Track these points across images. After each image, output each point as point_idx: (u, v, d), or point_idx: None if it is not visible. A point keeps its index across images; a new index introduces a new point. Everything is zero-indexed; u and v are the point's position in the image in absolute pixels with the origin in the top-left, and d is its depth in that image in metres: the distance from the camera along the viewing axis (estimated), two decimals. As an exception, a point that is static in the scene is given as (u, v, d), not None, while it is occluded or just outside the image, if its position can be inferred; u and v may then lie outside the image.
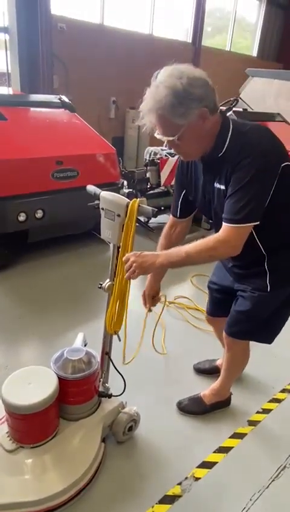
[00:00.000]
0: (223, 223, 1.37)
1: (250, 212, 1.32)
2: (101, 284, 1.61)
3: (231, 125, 1.39)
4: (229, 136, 1.37)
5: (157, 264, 1.38)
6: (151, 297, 1.90)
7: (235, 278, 1.73)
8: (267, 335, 1.76)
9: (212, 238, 1.38)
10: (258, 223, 1.35)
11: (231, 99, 4.52)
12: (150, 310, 1.91)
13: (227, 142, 1.37)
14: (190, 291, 3.29)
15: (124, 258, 1.43)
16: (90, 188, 1.64)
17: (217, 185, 1.44)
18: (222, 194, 1.42)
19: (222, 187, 1.42)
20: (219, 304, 1.93)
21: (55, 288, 3.14)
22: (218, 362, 2.27)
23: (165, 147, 4.75)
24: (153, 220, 4.49)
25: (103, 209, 1.53)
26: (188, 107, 1.26)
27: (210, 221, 1.68)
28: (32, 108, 3.85)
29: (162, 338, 2.56)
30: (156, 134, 1.36)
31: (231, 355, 1.88)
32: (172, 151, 4.38)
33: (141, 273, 1.39)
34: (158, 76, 1.29)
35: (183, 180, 1.65)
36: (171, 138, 1.34)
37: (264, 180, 1.33)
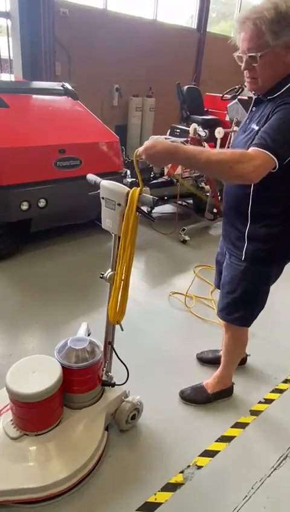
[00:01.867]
0: (252, 147, 1.30)
1: (282, 147, 1.28)
2: (103, 274, 1.60)
3: None
4: (289, 85, 1.38)
5: (172, 161, 1.46)
6: None
7: (224, 242, 1.77)
8: (245, 315, 1.76)
9: (238, 151, 1.32)
10: (277, 166, 1.29)
11: (236, 87, 4.46)
12: None
13: (284, 88, 1.38)
14: (193, 282, 3.28)
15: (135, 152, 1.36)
16: (91, 176, 1.62)
17: (252, 126, 1.47)
18: (253, 134, 1.43)
19: (256, 128, 1.43)
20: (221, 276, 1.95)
21: (58, 277, 3.14)
22: (221, 353, 2.28)
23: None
24: (157, 209, 4.47)
25: (103, 198, 1.51)
26: (283, 28, 1.30)
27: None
28: (34, 96, 3.80)
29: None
30: (236, 53, 1.41)
31: (229, 337, 1.92)
32: (175, 139, 4.34)
33: (148, 159, 1.32)
34: None
35: None
36: (254, 54, 1.35)
37: None
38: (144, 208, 4.17)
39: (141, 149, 1.34)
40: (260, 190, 1.48)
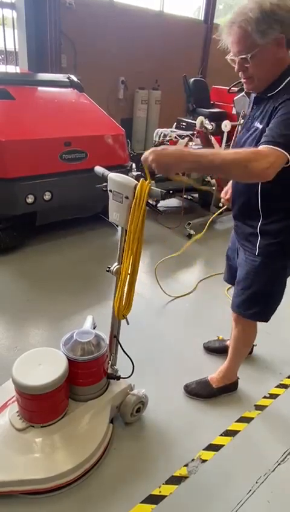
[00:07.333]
0: (262, 145, 1.29)
1: None
2: (109, 268, 1.60)
3: None
4: (288, 79, 1.38)
5: (182, 164, 1.31)
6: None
7: (237, 238, 1.76)
8: (262, 310, 1.75)
9: (251, 149, 1.31)
10: (289, 161, 1.28)
11: (244, 79, 4.40)
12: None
13: (283, 84, 1.39)
14: (199, 277, 3.27)
15: (142, 158, 1.32)
16: (99, 169, 1.61)
17: (256, 124, 1.47)
18: (258, 133, 1.43)
19: (260, 126, 1.43)
20: (233, 271, 1.92)
21: (63, 271, 3.14)
22: (228, 342, 2.28)
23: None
24: (162, 203, 4.45)
25: (110, 191, 1.50)
26: (269, 26, 1.30)
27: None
28: (40, 88, 3.78)
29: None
30: (228, 56, 1.41)
31: (238, 332, 1.90)
32: (181, 133, 4.30)
33: (161, 171, 1.31)
34: None
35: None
36: (244, 56, 1.36)
37: None
38: (150, 201, 4.15)
39: (148, 152, 1.30)
40: (268, 186, 1.46)
